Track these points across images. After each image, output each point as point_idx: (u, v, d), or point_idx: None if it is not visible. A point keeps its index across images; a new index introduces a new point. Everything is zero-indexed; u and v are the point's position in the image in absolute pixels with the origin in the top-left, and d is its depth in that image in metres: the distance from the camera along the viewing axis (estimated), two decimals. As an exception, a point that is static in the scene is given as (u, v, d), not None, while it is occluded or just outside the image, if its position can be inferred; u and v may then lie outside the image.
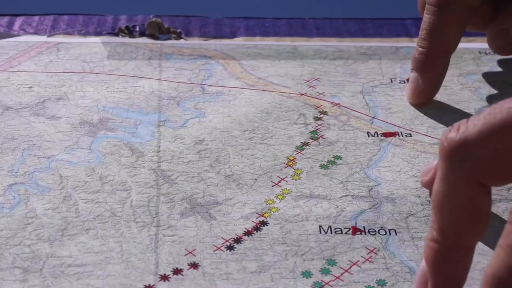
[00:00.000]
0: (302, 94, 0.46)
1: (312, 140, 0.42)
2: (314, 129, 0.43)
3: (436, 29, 0.45)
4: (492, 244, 0.34)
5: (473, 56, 0.52)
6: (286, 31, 0.55)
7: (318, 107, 0.45)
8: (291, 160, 0.40)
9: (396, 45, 0.53)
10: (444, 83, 0.46)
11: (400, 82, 0.48)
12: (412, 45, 0.53)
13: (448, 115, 0.45)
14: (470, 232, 0.30)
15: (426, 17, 0.45)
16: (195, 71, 0.48)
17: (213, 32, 0.55)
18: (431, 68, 0.46)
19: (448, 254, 0.30)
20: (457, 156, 0.29)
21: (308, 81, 0.48)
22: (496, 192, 0.38)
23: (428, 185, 0.38)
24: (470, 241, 0.30)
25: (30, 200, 0.37)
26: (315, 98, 0.46)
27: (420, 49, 0.46)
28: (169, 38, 0.53)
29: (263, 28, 0.55)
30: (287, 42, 0.53)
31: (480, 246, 0.34)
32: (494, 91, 0.48)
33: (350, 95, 0.46)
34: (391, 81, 0.48)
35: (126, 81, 0.47)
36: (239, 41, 0.53)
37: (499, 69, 0.50)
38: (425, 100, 0.46)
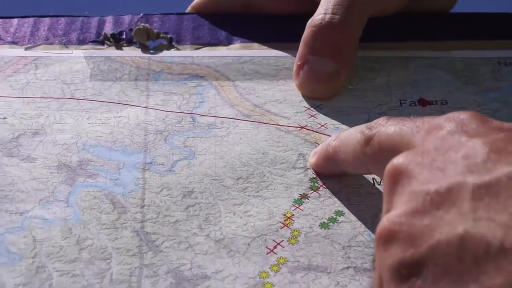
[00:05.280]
0: (302, 127, 0.42)
1: (311, 191, 0.38)
2: (314, 176, 0.39)
3: None
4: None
5: (491, 68, 0.47)
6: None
7: (319, 144, 0.41)
8: (288, 218, 0.37)
9: (408, 55, 0.48)
10: (459, 104, 0.42)
11: (410, 105, 0.44)
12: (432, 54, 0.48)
13: None
14: None
15: None
16: (186, 96, 0.44)
17: (208, 37, 0.50)
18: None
19: None
20: None
21: (308, 108, 0.43)
22: None
23: (315, 167, 0.39)
24: None
25: (-1, 272, 0.34)
26: (316, 132, 0.42)
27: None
28: (159, 46, 0.49)
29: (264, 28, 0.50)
30: (286, 54, 0.48)
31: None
32: None
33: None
34: (401, 104, 0.44)
35: (109, 110, 0.43)
36: (234, 49, 0.49)
37: None
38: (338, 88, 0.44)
